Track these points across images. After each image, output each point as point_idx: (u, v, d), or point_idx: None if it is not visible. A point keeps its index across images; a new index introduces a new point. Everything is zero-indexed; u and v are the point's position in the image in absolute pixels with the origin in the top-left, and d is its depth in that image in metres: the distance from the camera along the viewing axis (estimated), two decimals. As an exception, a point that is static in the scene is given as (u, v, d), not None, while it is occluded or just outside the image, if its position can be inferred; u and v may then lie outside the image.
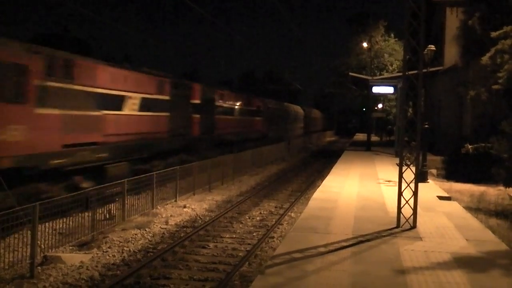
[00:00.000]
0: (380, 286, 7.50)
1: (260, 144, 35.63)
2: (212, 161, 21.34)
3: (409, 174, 11.43)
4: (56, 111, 14.68)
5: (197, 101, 26.61)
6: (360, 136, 64.56)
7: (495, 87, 16.16)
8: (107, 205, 13.88)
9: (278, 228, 14.07)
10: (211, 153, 26.00)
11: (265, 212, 16.54)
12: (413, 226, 11.20)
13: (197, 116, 26.48)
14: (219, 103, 30.63)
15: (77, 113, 15.75)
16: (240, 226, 14.48)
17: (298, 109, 62.54)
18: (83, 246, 11.67)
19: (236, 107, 34.79)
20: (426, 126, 19.37)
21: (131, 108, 19.26)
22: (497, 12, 18.46)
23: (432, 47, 20.45)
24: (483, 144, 17.05)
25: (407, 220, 11.25)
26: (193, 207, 16.84)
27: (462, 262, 8.70)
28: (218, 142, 29.71)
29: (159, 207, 16.08)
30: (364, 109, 59.09)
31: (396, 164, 16.96)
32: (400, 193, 11.41)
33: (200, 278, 9.66)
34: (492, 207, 15.01)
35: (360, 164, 26.13)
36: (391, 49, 52.86)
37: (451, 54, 28.23)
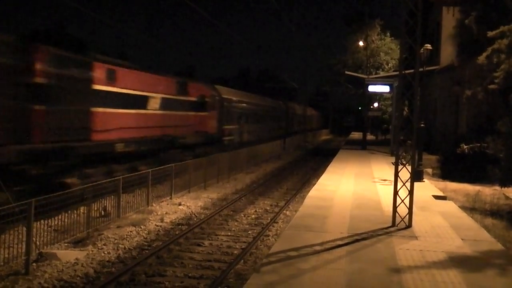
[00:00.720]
0: (375, 285, 7.50)
1: (205, 152, 25.49)
2: (207, 159, 21.31)
3: (405, 173, 11.44)
4: None
5: (41, 80, 14.42)
6: (356, 135, 64.72)
7: (492, 86, 16.18)
8: (102, 202, 13.83)
9: (274, 226, 14.07)
10: (72, 179, 15.54)
11: (260, 210, 16.54)
12: (409, 225, 11.20)
13: (41, 108, 14.44)
14: (106, 86, 17.65)
15: None
16: (235, 224, 14.47)
17: (276, 104, 52.61)
18: (78, 243, 11.64)
19: (152, 95, 21.36)
20: (422, 125, 19.39)
21: None
22: (494, 11, 18.46)
23: (429, 46, 20.47)
24: (479, 144, 17.08)
25: (402, 219, 11.26)
26: (188, 204, 16.82)
27: (458, 262, 8.70)
28: (105, 155, 17.60)
29: (154, 205, 16.06)
30: (360, 108, 59.15)
31: (392, 163, 16.97)
32: (395, 192, 11.41)
33: (195, 276, 9.65)
34: (488, 207, 15.04)
35: (355, 162, 26.14)
36: (387, 48, 52.97)
37: (448, 53, 28.28)
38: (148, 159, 20.76)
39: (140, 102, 20.53)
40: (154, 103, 21.74)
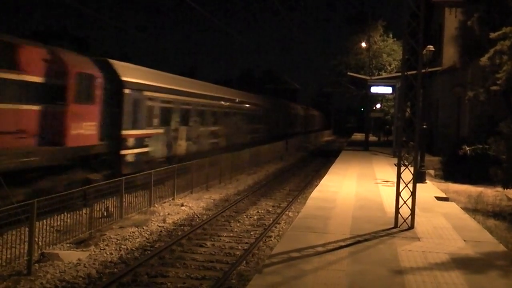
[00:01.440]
0: (378, 286, 7.49)
1: (64, 184, 14.14)
2: (209, 160, 21.30)
3: (407, 174, 11.43)
4: None
5: None
6: (358, 136, 64.59)
7: (494, 88, 16.19)
8: (105, 203, 13.83)
9: (276, 227, 14.05)
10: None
11: (262, 211, 16.53)
12: (411, 227, 11.19)
13: None
14: None
15: None
16: (238, 225, 14.46)
17: (251, 99, 39.42)
18: (80, 243, 11.64)
19: None
20: (424, 126, 19.38)
21: None
22: (496, 12, 18.46)
23: (431, 47, 20.46)
24: (481, 146, 17.06)
25: (405, 221, 11.25)
26: (190, 205, 16.83)
27: (460, 263, 8.70)
28: None
29: (156, 205, 16.06)
30: (362, 109, 59.10)
31: (394, 164, 16.98)
32: (398, 193, 11.40)
33: (197, 277, 9.65)
34: (490, 208, 15.03)
35: (358, 164, 26.11)
36: (389, 49, 52.88)
37: (450, 54, 28.28)
38: None
39: None
40: None
